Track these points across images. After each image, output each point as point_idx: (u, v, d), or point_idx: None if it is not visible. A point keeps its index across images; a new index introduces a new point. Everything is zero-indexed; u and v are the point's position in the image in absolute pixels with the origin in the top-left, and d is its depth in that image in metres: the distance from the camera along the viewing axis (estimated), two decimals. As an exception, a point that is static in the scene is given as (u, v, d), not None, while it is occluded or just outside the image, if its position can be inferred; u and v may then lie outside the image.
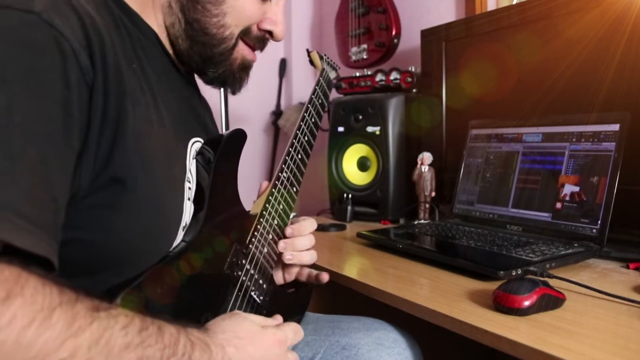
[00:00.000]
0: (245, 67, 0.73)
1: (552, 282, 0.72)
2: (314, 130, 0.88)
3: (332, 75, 1.02)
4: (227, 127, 1.64)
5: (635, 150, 0.92)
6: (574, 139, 0.99)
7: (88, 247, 0.52)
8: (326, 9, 2.01)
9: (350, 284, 0.88)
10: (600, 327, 0.62)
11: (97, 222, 0.52)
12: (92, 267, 0.54)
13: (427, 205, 1.32)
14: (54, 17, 0.47)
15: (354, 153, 1.49)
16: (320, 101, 0.92)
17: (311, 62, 1.02)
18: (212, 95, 1.85)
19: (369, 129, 1.42)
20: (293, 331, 0.62)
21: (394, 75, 1.46)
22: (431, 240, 1.05)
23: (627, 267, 0.87)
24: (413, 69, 1.44)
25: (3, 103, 0.42)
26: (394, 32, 1.56)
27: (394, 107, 1.39)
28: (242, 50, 0.71)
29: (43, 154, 0.44)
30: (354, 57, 1.68)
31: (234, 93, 0.76)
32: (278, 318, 0.65)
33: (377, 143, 1.41)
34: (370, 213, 1.43)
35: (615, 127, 0.93)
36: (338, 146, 1.50)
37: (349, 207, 1.42)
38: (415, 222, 1.26)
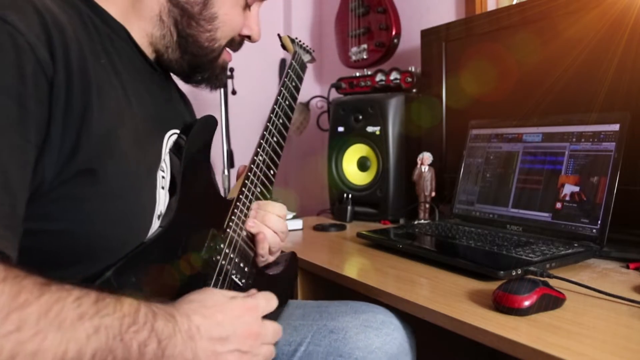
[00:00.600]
0: (224, 68, 0.79)
1: (552, 282, 0.72)
2: (289, 112, 0.89)
3: (306, 58, 1.04)
4: (227, 127, 1.64)
5: (635, 150, 0.92)
6: (574, 139, 0.99)
7: (63, 237, 0.53)
8: (326, 9, 2.01)
9: (350, 284, 0.88)
10: (600, 327, 0.62)
11: (70, 213, 0.53)
12: (68, 257, 0.54)
13: (427, 205, 1.32)
14: (9, 14, 0.48)
15: (354, 153, 1.49)
16: (294, 84, 0.93)
17: (283, 46, 1.03)
18: (212, 95, 1.85)
19: (369, 129, 1.42)
20: (265, 299, 0.60)
21: (394, 75, 1.46)
22: (431, 240, 1.05)
23: (627, 267, 0.87)
24: (413, 69, 1.44)
25: None
26: (394, 32, 1.56)
27: (394, 107, 1.39)
28: (224, 55, 0.76)
29: None
30: (354, 57, 1.68)
31: (212, 90, 0.81)
32: (252, 291, 0.63)
33: (377, 143, 1.41)
34: (370, 213, 1.43)
35: (615, 127, 0.93)
36: (338, 146, 1.50)
37: (349, 207, 1.42)
38: (415, 222, 1.26)
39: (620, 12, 0.98)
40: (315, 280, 1.04)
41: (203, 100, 1.85)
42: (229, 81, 1.65)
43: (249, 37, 0.78)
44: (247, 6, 0.74)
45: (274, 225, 0.77)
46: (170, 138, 0.69)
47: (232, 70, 1.65)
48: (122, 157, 0.57)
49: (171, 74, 0.79)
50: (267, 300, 0.61)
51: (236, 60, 1.76)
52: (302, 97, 1.95)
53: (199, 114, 1.97)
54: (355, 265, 1.02)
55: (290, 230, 1.32)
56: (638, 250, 0.92)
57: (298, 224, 1.35)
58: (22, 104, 0.47)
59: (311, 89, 2.03)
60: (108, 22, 0.64)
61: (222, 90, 1.64)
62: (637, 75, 0.95)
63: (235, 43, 0.77)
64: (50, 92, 0.49)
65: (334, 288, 0.91)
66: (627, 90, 0.96)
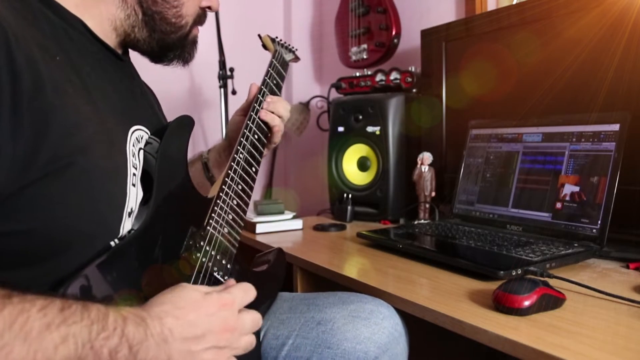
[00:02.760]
0: (194, 43, 0.81)
1: (552, 282, 0.72)
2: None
3: (288, 57, 1.04)
4: (227, 126, 1.64)
5: (635, 150, 0.92)
6: (574, 139, 0.99)
7: (33, 236, 0.52)
8: (326, 9, 2.02)
9: (350, 284, 0.88)
10: (600, 327, 0.62)
11: (38, 213, 0.52)
12: (40, 255, 0.54)
13: (427, 205, 1.32)
14: None
15: (354, 153, 1.49)
16: (275, 82, 0.94)
17: (264, 46, 1.03)
18: (212, 95, 1.85)
19: (369, 129, 1.42)
20: (242, 290, 0.59)
21: (394, 75, 1.47)
22: (431, 240, 1.05)
23: (627, 267, 0.88)
24: (413, 69, 1.44)
25: None
26: (394, 32, 1.56)
27: (394, 107, 1.40)
28: (193, 31, 0.79)
29: None
30: (354, 57, 1.68)
31: (184, 65, 0.82)
32: (229, 282, 0.62)
33: (377, 143, 1.41)
34: (370, 213, 1.43)
35: (615, 127, 0.93)
36: (338, 146, 1.50)
37: (349, 207, 1.42)
38: (415, 222, 1.26)
39: (620, 12, 0.98)
40: (315, 280, 1.04)
41: (203, 100, 1.85)
42: (229, 81, 1.65)
43: (209, 8, 0.80)
44: None
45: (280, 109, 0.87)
46: (134, 133, 0.68)
47: (232, 70, 1.65)
48: (89, 154, 0.56)
49: (134, 65, 0.79)
50: (245, 292, 0.60)
51: (236, 60, 1.76)
52: (302, 97, 1.95)
53: (198, 114, 1.96)
54: (355, 265, 1.02)
55: (290, 230, 1.33)
56: (638, 250, 0.92)
57: (298, 224, 1.35)
58: None
59: (311, 89, 2.03)
60: (62, 14, 0.63)
61: (222, 90, 1.64)
62: (637, 75, 0.95)
63: (200, 18, 0.79)
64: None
65: (334, 288, 0.91)
66: (627, 90, 0.96)
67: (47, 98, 0.52)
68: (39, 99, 0.51)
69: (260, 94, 0.88)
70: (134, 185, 0.64)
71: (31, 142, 0.50)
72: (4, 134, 0.48)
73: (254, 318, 0.60)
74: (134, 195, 0.64)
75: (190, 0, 0.74)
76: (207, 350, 0.52)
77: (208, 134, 1.85)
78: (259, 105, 0.86)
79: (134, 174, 0.64)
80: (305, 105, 1.83)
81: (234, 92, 1.65)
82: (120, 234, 0.61)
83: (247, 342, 0.58)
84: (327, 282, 0.95)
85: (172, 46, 0.76)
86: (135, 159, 0.66)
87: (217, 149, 0.98)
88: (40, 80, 0.52)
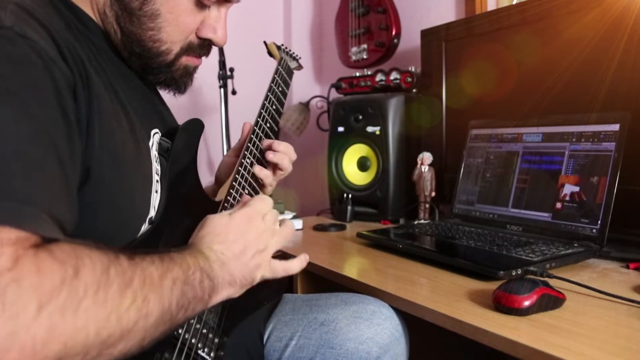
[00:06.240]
0: (189, 73, 0.72)
1: (552, 282, 0.72)
2: (276, 117, 0.90)
3: (293, 65, 1.05)
4: (227, 127, 1.64)
5: (635, 150, 0.92)
6: (574, 139, 0.99)
7: None
8: (326, 9, 2.01)
9: (351, 284, 0.88)
10: (600, 327, 0.62)
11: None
12: None
13: (427, 205, 1.32)
14: (26, 29, 0.47)
15: (354, 153, 1.49)
16: (280, 89, 0.94)
17: (269, 53, 1.04)
18: (212, 95, 1.85)
19: (369, 129, 1.42)
20: (259, 200, 0.66)
21: (394, 75, 1.47)
22: (431, 240, 1.05)
23: (627, 267, 0.88)
24: (413, 69, 1.44)
25: (10, 115, 0.43)
26: (394, 32, 1.56)
27: (394, 107, 1.40)
28: (186, 60, 0.70)
29: (59, 158, 0.46)
30: (354, 57, 1.68)
31: (176, 94, 0.75)
32: (244, 198, 0.69)
33: (377, 143, 1.41)
34: (370, 213, 1.43)
35: (615, 127, 0.93)
36: (338, 146, 1.50)
37: (349, 207, 1.43)
38: (415, 222, 1.26)
39: (620, 12, 0.98)
40: (315, 280, 1.04)
41: (203, 100, 1.85)
42: (229, 81, 1.65)
43: (211, 41, 0.71)
44: (202, 6, 0.66)
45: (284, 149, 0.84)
46: (154, 137, 0.68)
47: (232, 70, 1.65)
48: (121, 161, 0.57)
49: None
50: (261, 201, 0.66)
51: (236, 60, 1.77)
52: (302, 97, 1.95)
53: (198, 115, 1.98)
54: (355, 265, 1.02)
55: (290, 230, 1.33)
56: (638, 250, 0.92)
57: (298, 224, 1.35)
58: (66, 116, 0.48)
59: (311, 89, 2.03)
60: (85, 22, 0.63)
61: (222, 90, 1.64)
62: (637, 75, 0.95)
63: (196, 46, 0.69)
64: (75, 103, 0.50)
65: (334, 288, 0.91)
66: (627, 90, 0.96)
67: (94, 103, 0.53)
68: (89, 105, 0.53)
69: (266, 100, 0.88)
70: (156, 192, 0.64)
71: (84, 148, 0.52)
72: (71, 136, 0.50)
73: (273, 214, 0.66)
74: (156, 201, 0.64)
75: (173, 26, 0.65)
76: (253, 257, 0.60)
77: (208, 134, 1.85)
78: (266, 112, 0.86)
79: (157, 181, 0.65)
80: (305, 105, 1.83)
81: (234, 92, 1.65)
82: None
83: (280, 235, 0.66)
84: (327, 282, 0.95)
85: (152, 70, 0.68)
86: (157, 164, 0.66)
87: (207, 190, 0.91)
88: (89, 86, 0.53)
